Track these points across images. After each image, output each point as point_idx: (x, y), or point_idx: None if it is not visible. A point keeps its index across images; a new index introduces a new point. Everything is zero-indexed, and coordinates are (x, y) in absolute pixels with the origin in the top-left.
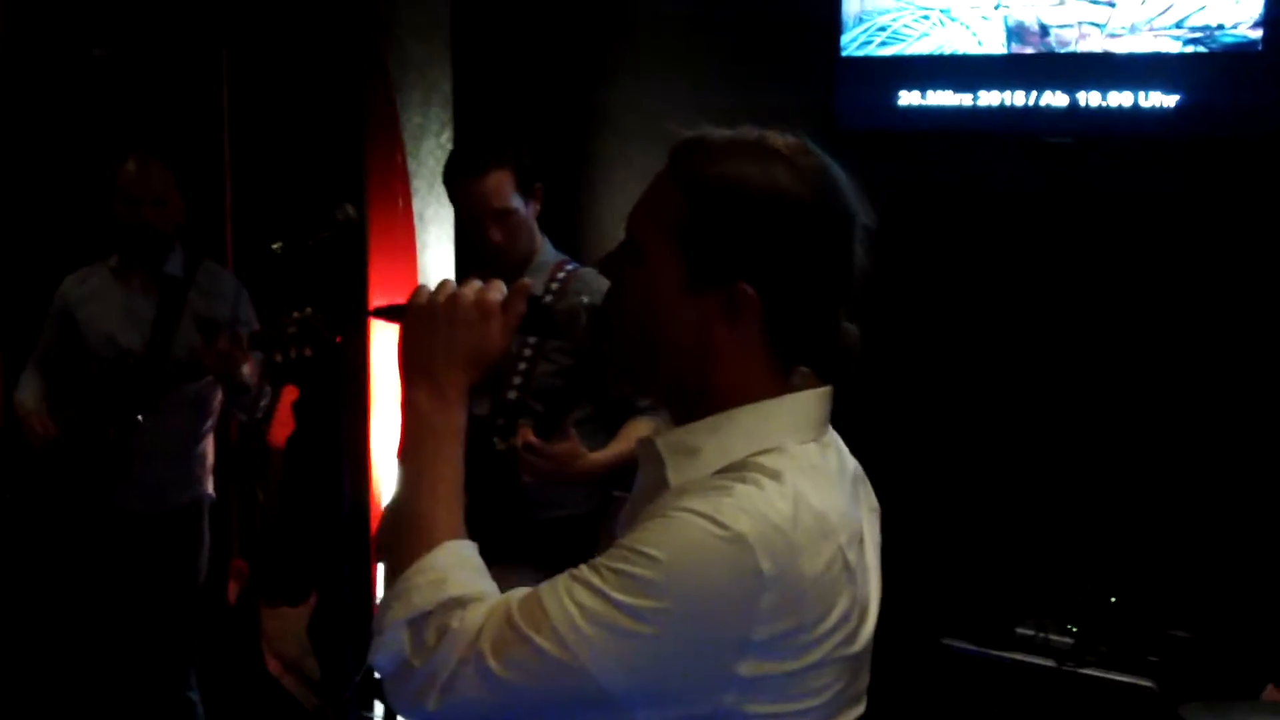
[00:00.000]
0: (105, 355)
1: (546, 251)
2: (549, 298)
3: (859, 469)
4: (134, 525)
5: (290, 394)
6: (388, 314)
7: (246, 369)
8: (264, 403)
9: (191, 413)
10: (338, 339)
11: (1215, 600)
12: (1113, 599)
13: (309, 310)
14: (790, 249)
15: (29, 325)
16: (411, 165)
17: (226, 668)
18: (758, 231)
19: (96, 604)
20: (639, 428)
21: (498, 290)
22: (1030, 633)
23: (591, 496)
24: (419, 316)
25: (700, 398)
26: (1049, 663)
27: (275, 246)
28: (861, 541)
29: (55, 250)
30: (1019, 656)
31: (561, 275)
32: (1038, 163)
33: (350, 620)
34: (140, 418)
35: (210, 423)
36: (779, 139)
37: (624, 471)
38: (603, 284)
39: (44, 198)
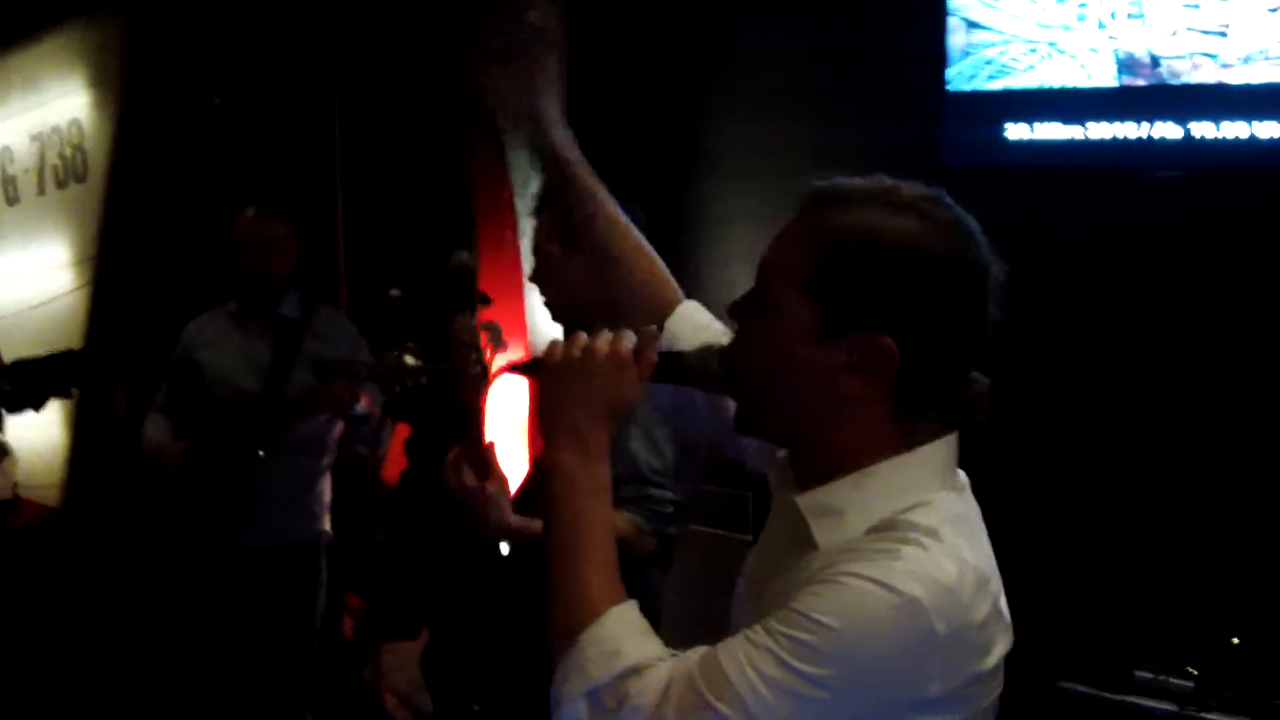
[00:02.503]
0: (224, 396)
1: None
2: None
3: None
4: (253, 562)
5: (403, 431)
6: (523, 369)
7: (363, 403)
8: (385, 434)
9: (309, 451)
10: (451, 366)
11: None
12: (1235, 640)
13: (417, 343)
14: (925, 302)
15: (153, 369)
16: (518, 203)
17: (343, 704)
18: (893, 284)
19: (215, 640)
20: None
21: (629, 340)
22: (1149, 676)
23: None
24: (556, 373)
25: (826, 448)
26: (1170, 707)
27: (393, 293)
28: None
29: (179, 294)
30: (1138, 700)
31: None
32: (1150, 197)
33: (464, 655)
34: (261, 454)
35: (328, 460)
36: (912, 190)
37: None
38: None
39: (166, 242)
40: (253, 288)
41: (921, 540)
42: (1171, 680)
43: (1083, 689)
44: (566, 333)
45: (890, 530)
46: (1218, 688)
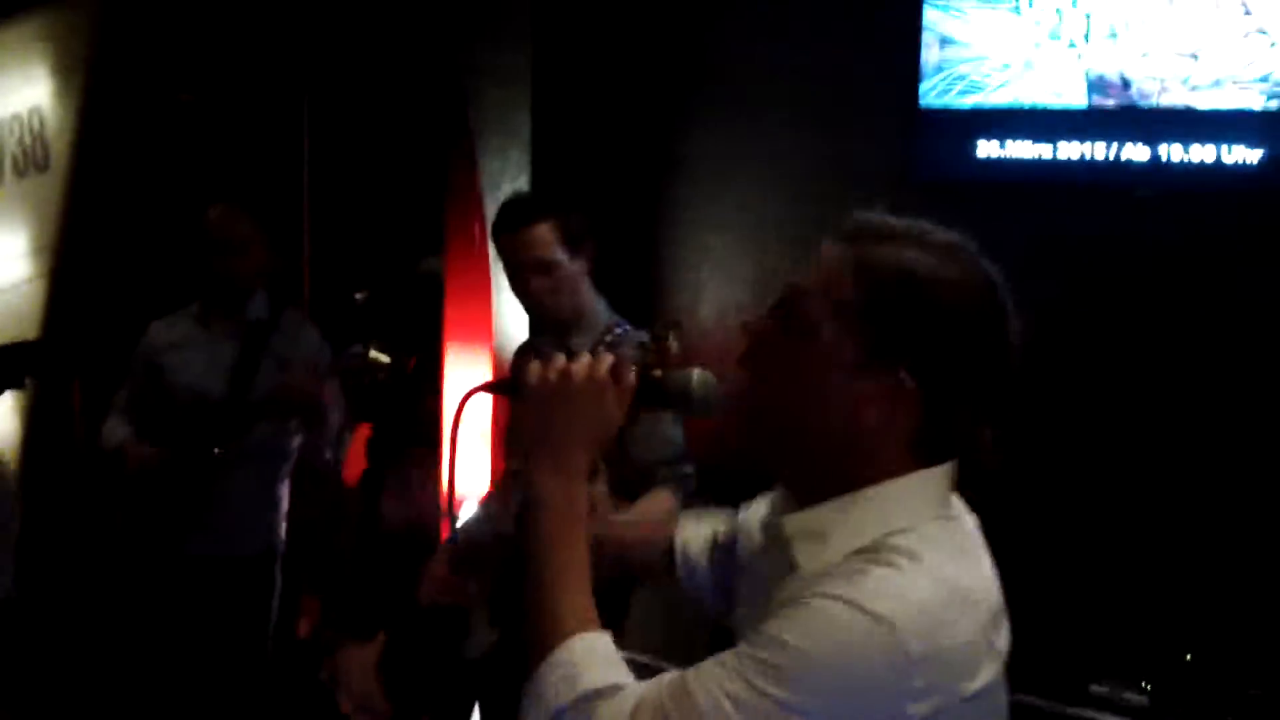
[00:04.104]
0: (187, 400)
1: (599, 312)
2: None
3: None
4: (205, 570)
5: (363, 433)
6: (496, 389)
7: (326, 400)
8: (345, 438)
9: (269, 460)
10: (411, 362)
11: None
12: (1189, 656)
13: (381, 341)
14: (957, 344)
15: (111, 364)
16: (489, 209)
17: (299, 706)
18: (930, 323)
19: (166, 648)
20: (659, 500)
21: (607, 363)
22: (1104, 690)
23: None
24: (534, 396)
25: (833, 477)
26: None
27: (358, 296)
28: (1004, 613)
29: (139, 289)
30: (1093, 715)
31: (609, 338)
32: (1119, 216)
33: (420, 659)
34: (217, 451)
35: (286, 469)
36: (941, 234)
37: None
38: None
39: (129, 236)
40: (221, 288)
41: (897, 561)
42: (1126, 695)
43: (1038, 703)
44: (540, 332)
45: (868, 553)
46: (1172, 703)
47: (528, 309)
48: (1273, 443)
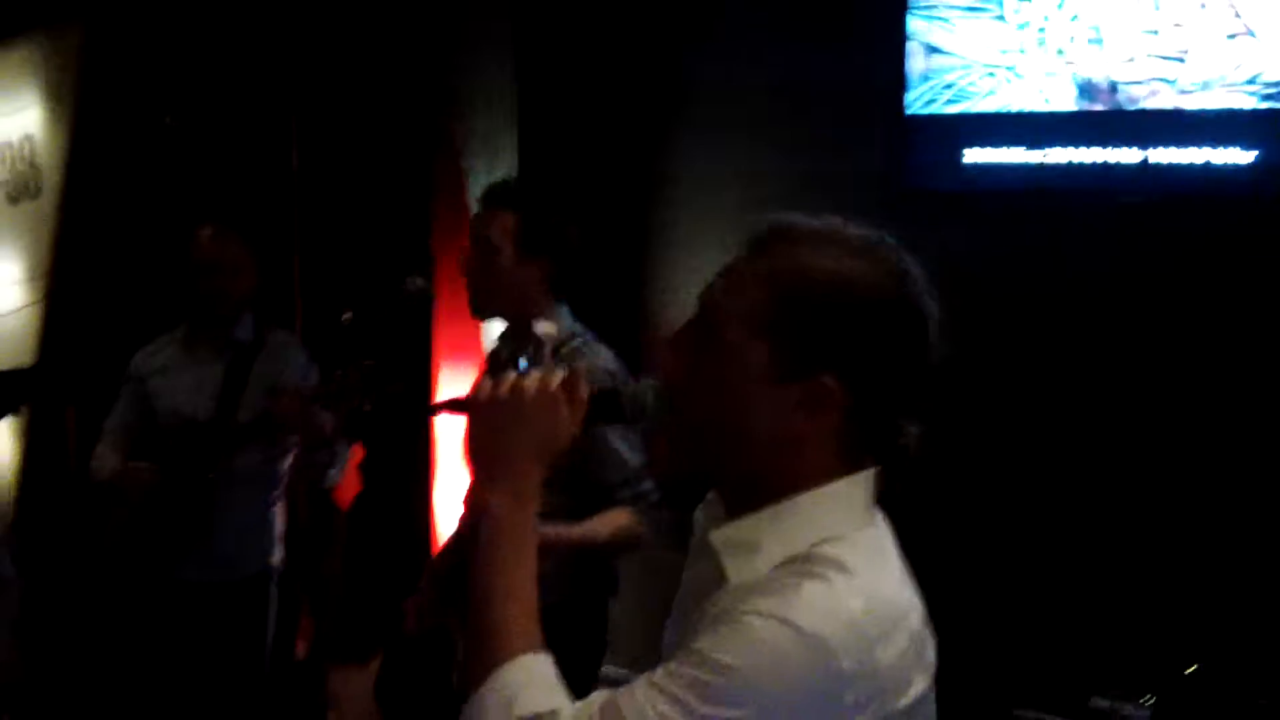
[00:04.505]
0: (174, 424)
1: (556, 321)
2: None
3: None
4: (199, 596)
5: (356, 455)
6: (452, 408)
7: (325, 422)
8: (343, 457)
9: (259, 484)
10: (399, 387)
11: None
12: (1191, 669)
13: (368, 363)
14: (876, 345)
15: (105, 391)
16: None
17: None
18: (845, 326)
19: (161, 674)
20: (617, 518)
21: (558, 378)
22: (1106, 704)
23: (556, 587)
24: (484, 412)
25: (764, 486)
26: None
27: (345, 317)
28: (924, 619)
29: (133, 314)
30: None
31: (565, 350)
32: (1108, 221)
33: (413, 684)
34: (211, 475)
35: (278, 493)
36: (859, 231)
37: (591, 557)
38: (595, 363)
39: (121, 260)
40: (209, 309)
41: (827, 575)
42: (1128, 709)
43: (1039, 716)
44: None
45: (799, 564)
46: (1174, 716)
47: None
48: (1271, 449)
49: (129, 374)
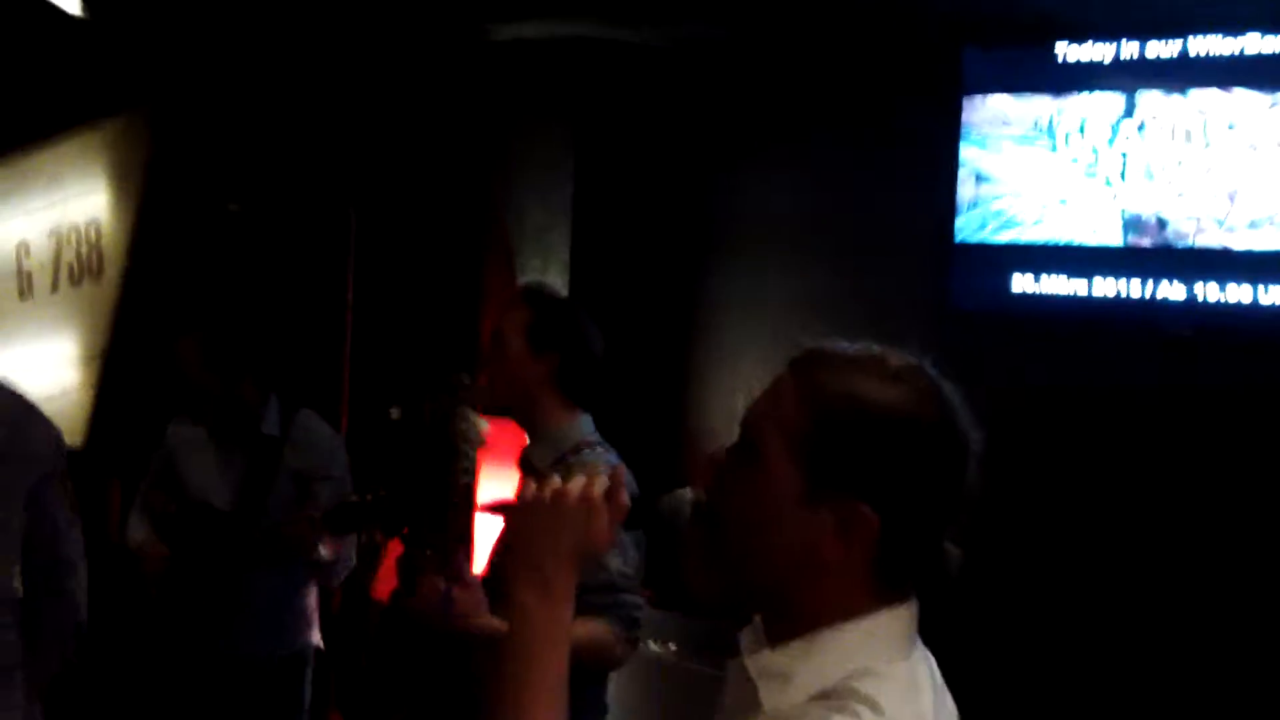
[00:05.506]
0: (194, 499)
1: (573, 427)
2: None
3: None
4: (233, 670)
5: (395, 549)
6: (497, 510)
7: (324, 550)
8: (344, 571)
9: (286, 569)
10: (404, 531)
11: None
12: None
13: (381, 493)
14: (911, 473)
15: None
16: None
17: None
18: (881, 452)
19: None
20: (585, 625)
21: (602, 484)
22: None
23: None
24: (526, 514)
25: (796, 608)
26: None
27: (393, 413)
28: None
29: (182, 398)
30: None
31: (573, 458)
32: (1155, 355)
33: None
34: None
35: (309, 574)
36: (899, 359)
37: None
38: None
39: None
40: (229, 414)
41: (858, 710)
42: None
43: None
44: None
45: (831, 699)
46: None
47: None
48: None
49: (164, 441)
